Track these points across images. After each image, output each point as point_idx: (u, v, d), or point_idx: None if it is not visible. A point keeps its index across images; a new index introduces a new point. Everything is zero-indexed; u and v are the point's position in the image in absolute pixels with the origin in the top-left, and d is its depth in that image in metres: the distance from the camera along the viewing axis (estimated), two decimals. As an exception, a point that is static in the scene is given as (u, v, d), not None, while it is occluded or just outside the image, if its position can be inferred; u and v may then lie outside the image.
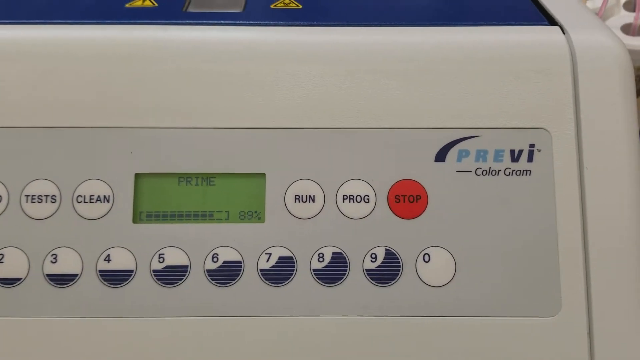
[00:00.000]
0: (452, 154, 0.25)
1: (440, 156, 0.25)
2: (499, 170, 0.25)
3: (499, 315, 0.25)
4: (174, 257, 0.25)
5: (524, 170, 0.25)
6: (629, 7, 0.45)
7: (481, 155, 0.25)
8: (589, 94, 0.26)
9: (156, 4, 0.29)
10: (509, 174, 0.25)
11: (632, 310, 0.25)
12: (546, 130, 0.25)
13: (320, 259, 0.25)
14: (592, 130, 0.25)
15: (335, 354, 0.24)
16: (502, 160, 0.25)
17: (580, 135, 0.25)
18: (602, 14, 0.40)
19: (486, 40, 0.26)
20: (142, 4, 0.29)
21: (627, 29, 0.43)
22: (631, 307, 0.25)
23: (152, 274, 0.25)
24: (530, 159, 0.25)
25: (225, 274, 0.25)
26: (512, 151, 0.25)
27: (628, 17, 0.44)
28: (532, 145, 0.25)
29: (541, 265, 0.25)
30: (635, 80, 0.45)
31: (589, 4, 0.45)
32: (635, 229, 0.25)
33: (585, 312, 0.25)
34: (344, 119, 0.26)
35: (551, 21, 0.28)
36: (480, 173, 0.25)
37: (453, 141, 0.25)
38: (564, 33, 0.27)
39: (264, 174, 0.25)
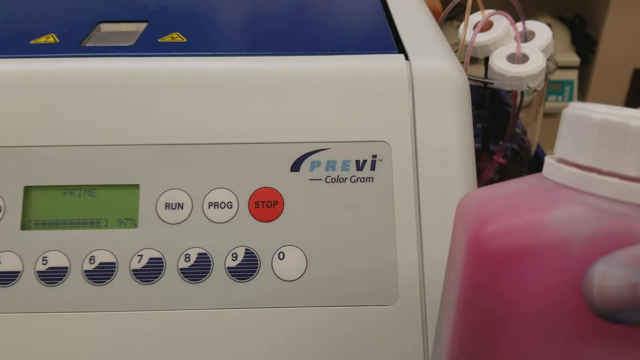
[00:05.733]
0: (306, 164, 0.29)
1: (295, 167, 0.29)
2: (345, 178, 0.29)
3: (344, 304, 0.28)
4: (56, 260, 0.28)
5: (367, 178, 0.29)
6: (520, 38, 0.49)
7: (330, 165, 0.29)
8: (424, 112, 0.30)
9: (58, 40, 0.33)
10: (354, 181, 0.29)
11: (460, 298, 0.28)
12: (387, 143, 0.29)
13: (187, 259, 0.28)
14: (426, 142, 0.29)
15: (200, 343, 0.28)
16: (348, 169, 0.29)
17: (416, 147, 0.29)
18: (472, 43, 0.45)
19: (338, 67, 0.30)
20: (46, 41, 0.33)
21: (511, 57, 0.48)
22: (460, 295, 0.28)
23: (37, 274, 0.28)
24: (372, 167, 0.29)
25: (101, 273, 0.28)
26: (357, 161, 0.29)
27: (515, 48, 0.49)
28: (374, 156, 0.29)
29: (381, 260, 0.28)
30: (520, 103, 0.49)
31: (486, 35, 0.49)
32: (463, 226, 0.28)
33: (420, 301, 0.28)
34: (211, 136, 0.29)
35: (400, 49, 0.32)
36: (330, 180, 0.29)
37: (306, 153, 0.29)
38: (407, 60, 0.31)
39: (138, 185, 0.29)
